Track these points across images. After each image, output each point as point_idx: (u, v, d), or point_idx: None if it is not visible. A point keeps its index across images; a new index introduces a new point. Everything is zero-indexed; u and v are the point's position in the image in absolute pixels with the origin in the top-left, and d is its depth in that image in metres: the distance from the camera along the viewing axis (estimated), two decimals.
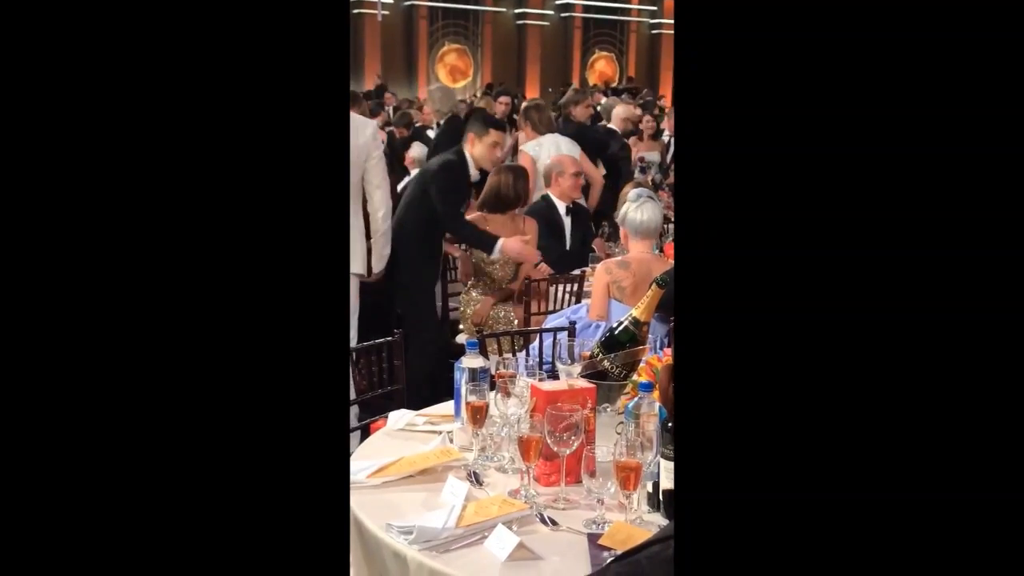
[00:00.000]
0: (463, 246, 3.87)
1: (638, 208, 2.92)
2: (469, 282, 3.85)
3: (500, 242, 3.48)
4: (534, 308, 3.65)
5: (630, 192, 3.09)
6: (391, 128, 7.21)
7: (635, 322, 1.89)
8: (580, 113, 5.39)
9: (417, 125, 6.98)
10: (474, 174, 3.66)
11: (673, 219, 4.82)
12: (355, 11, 15.53)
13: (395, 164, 6.10)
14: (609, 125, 6.05)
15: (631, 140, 6.12)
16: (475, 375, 1.94)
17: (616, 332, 1.91)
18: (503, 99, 7.10)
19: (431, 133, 6.46)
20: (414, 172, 5.99)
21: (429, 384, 3.39)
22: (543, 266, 3.75)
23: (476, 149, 3.60)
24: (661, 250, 4.01)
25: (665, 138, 7.04)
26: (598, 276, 2.96)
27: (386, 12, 15.31)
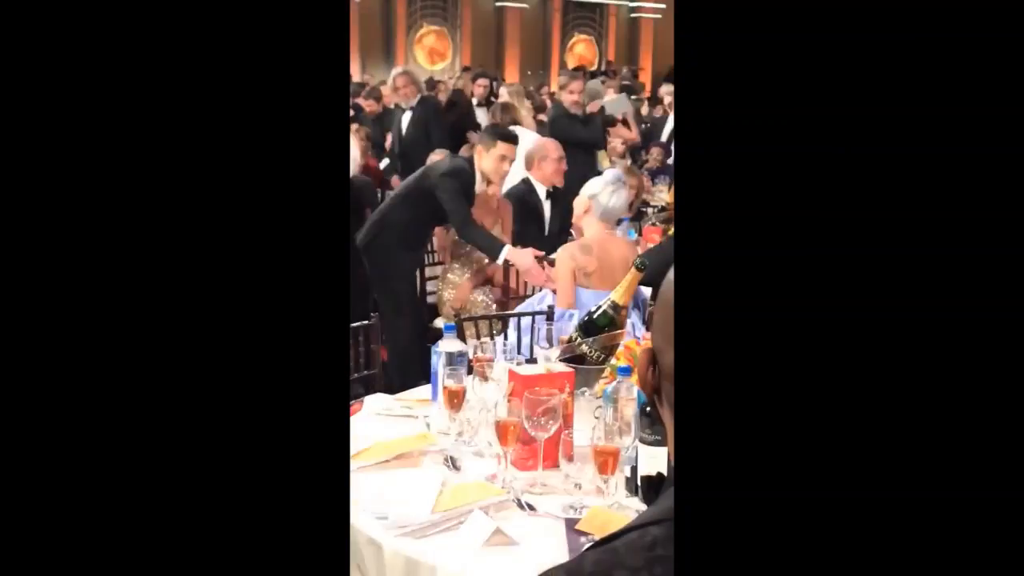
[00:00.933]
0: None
1: (613, 192, 2.87)
2: (447, 265, 3.83)
3: (506, 249, 3.41)
4: (513, 290, 3.64)
5: (607, 173, 3.04)
6: (357, 100, 7.13)
7: (614, 306, 1.88)
8: (565, 99, 5.34)
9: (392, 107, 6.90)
10: (479, 186, 3.62)
11: (650, 203, 4.82)
12: None
13: (371, 146, 6.05)
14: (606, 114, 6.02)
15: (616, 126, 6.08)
16: (452, 359, 1.92)
17: (595, 316, 1.90)
18: (481, 81, 7.03)
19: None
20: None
21: (406, 368, 3.36)
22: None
23: (483, 161, 3.53)
24: (640, 233, 4.01)
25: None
26: (562, 263, 2.87)
27: None
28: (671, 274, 0.81)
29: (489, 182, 3.61)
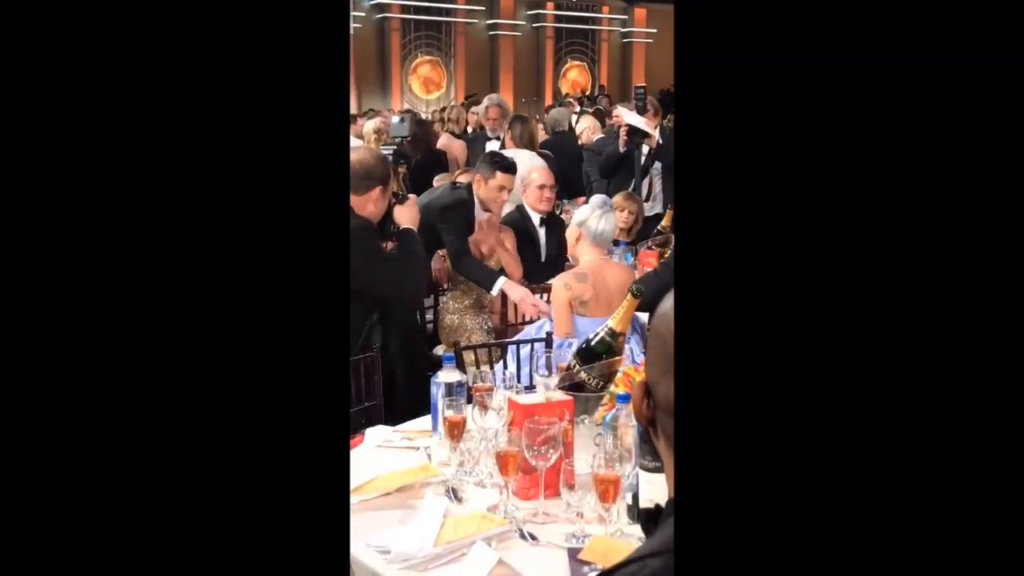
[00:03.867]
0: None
1: (601, 217, 2.92)
2: (446, 289, 3.82)
3: (500, 280, 3.47)
4: (511, 318, 3.64)
5: (593, 198, 3.08)
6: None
7: (611, 333, 1.89)
8: (615, 123, 5.34)
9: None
10: (479, 214, 3.65)
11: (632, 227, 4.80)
12: None
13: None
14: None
15: None
16: (451, 390, 1.92)
17: (592, 343, 1.90)
18: (476, 109, 7.07)
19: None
20: None
21: (415, 397, 3.35)
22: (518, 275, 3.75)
23: (482, 191, 3.57)
24: (636, 256, 4.02)
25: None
26: (557, 293, 2.92)
27: (358, 25, 15.29)
28: (663, 306, 0.82)
29: (487, 209, 3.63)
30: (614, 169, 4.99)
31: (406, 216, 2.82)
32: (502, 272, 3.60)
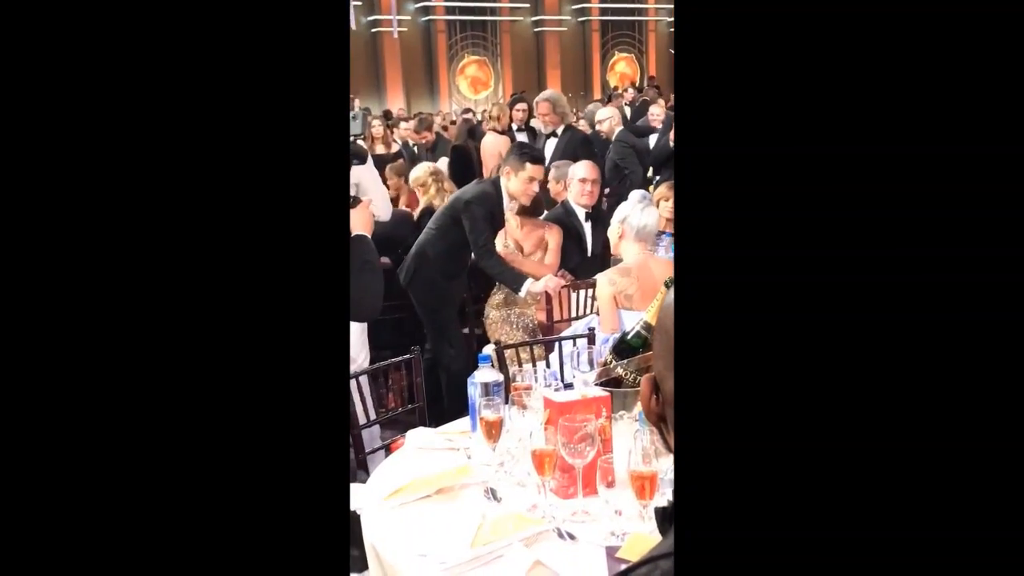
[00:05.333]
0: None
1: (643, 211, 2.89)
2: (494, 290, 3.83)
3: (528, 282, 3.49)
4: (557, 315, 3.62)
5: (633, 194, 3.06)
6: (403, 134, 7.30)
7: (647, 326, 1.86)
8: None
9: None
10: (508, 206, 3.65)
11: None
12: (373, 30, 15.66)
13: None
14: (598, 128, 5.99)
15: None
16: (488, 389, 1.91)
17: (628, 338, 1.87)
18: (520, 106, 7.02)
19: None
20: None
21: (462, 396, 3.37)
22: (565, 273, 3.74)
23: (511, 183, 3.55)
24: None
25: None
26: (602, 289, 2.90)
27: (403, 29, 15.42)
28: (667, 299, 0.80)
29: (520, 204, 3.63)
30: (665, 161, 4.95)
31: (359, 221, 2.52)
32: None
